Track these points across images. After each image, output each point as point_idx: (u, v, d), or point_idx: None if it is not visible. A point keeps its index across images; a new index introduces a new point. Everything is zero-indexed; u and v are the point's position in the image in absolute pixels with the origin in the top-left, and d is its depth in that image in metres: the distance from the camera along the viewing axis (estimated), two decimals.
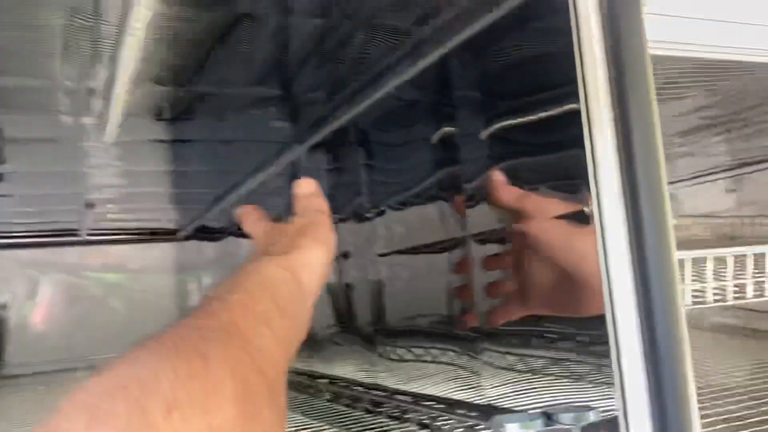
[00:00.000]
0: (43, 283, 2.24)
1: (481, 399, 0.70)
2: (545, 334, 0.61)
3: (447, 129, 0.72)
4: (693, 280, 0.60)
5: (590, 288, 0.51)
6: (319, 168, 1.13)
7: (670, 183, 1.92)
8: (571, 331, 0.56)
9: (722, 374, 1.25)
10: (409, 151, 0.82)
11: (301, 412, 0.90)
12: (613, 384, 0.49)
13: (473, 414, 0.66)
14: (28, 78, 1.43)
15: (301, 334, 0.47)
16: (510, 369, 0.65)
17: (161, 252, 2.37)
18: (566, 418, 0.56)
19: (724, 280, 0.62)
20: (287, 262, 0.48)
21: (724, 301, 0.62)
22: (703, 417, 0.94)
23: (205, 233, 1.94)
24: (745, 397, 1.06)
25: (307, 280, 0.49)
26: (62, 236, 2.20)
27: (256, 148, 1.38)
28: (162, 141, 2.05)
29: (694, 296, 0.60)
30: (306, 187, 0.59)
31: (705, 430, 0.86)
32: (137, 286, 2.35)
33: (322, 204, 0.58)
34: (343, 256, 1.11)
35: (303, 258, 0.50)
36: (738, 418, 0.91)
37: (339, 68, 0.96)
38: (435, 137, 0.76)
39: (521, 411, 0.63)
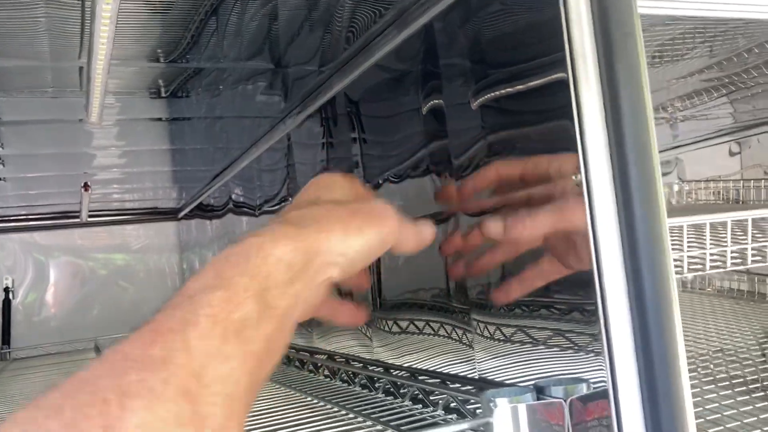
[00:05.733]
0: (47, 266, 2.25)
1: (475, 372, 0.69)
2: (538, 305, 0.59)
3: (435, 100, 0.70)
4: (689, 247, 0.58)
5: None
6: (314, 142, 1.11)
7: (674, 147, 1.90)
8: (564, 300, 0.54)
9: (729, 338, 1.25)
10: (398, 124, 0.80)
11: (301, 390, 0.89)
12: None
13: (466, 388, 0.65)
14: (19, 59, 1.41)
15: (291, 328, 0.37)
16: (504, 341, 0.64)
17: (163, 230, 2.38)
18: (557, 391, 0.55)
19: (724, 246, 0.60)
20: (305, 241, 0.37)
21: (724, 268, 0.60)
22: (707, 380, 0.94)
23: (206, 211, 1.93)
24: (751, 360, 1.05)
25: (321, 265, 0.38)
26: (63, 218, 2.20)
27: (250, 123, 1.36)
28: (159, 119, 2.04)
29: (691, 263, 0.59)
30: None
31: (710, 395, 0.87)
32: (141, 266, 2.35)
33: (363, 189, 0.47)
34: None
35: (330, 237, 0.38)
36: (745, 383, 0.90)
37: (327, 39, 0.94)
38: (424, 109, 0.74)
39: (514, 384, 0.62)
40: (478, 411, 0.61)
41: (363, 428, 0.66)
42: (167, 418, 0.27)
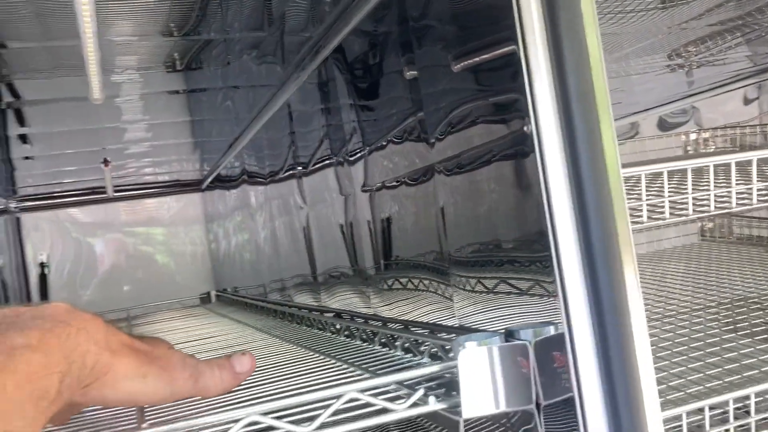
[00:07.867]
0: (80, 241, 2.34)
1: (460, 323, 0.72)
2: (510, 260, 0.62)
3: (411, 66, 0.72)
4: (648, 197, 0.59)
5: None
6: (313, 108, 1.14)
7: (690, 95, 1.87)
8: (528, 254, 0.57)
9: (747, 286, 1.24)
10: (383, 88, 0.82)
11: (307, 347, 0.94)
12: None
13: (449, 336, 0.68)
14: (36, 41, 1.46)
15: None
16: (484, 292, 0.67)
17: (188, 202, 2.44)
18: (525, 333, 0.57)
19: (684, 194, 0.61)
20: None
21: (687, 216, 0.61)
22: (724, 327, 0.93)
23: (224, 181, 1.98)
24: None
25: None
26: (92, 194, 2.28)
27: (255, 92, 1.39)
28: (176, 92, 2.08)
29: (649, 212, 0.60)
30: None
31: (729, 344, 0.86)
32: (169, 238, 2.43)
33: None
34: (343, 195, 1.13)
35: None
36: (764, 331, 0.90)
37: (315, 5, 0.96)
38: (406, 73, 0.75)
39: (493, 331, 0.64)
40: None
41: (343, 370, 0.70)
42: None
